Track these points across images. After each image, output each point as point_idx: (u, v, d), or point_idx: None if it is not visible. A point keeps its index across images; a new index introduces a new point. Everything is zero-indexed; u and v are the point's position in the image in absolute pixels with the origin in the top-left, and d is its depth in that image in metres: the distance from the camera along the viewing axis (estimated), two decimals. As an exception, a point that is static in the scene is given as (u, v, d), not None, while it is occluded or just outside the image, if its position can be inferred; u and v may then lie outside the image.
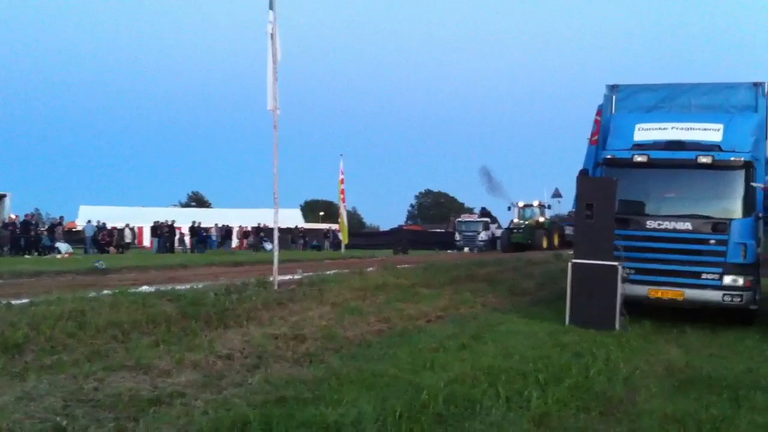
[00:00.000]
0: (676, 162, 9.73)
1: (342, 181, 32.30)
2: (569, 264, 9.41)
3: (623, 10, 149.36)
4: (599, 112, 11.21)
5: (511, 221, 43.39)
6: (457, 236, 47.15)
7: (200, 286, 9.71)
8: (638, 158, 9.82)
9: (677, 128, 10.08)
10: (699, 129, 9.98)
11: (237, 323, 7.53)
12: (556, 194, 48.85)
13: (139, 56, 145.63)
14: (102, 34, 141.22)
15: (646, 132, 10.21)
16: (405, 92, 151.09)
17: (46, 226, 32.90)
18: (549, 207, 43.23)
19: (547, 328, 8.75)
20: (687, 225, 9.58)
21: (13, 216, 32.20)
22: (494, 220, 48.79)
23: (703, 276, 9.51)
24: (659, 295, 9.63)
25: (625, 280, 9.19)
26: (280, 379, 5.36)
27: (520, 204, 43.24)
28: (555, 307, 10.44)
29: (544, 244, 39.17)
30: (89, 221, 34.57)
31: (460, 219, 50.79)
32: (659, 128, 10.19)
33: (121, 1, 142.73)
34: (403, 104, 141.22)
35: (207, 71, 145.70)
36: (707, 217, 9.59)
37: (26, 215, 32.66)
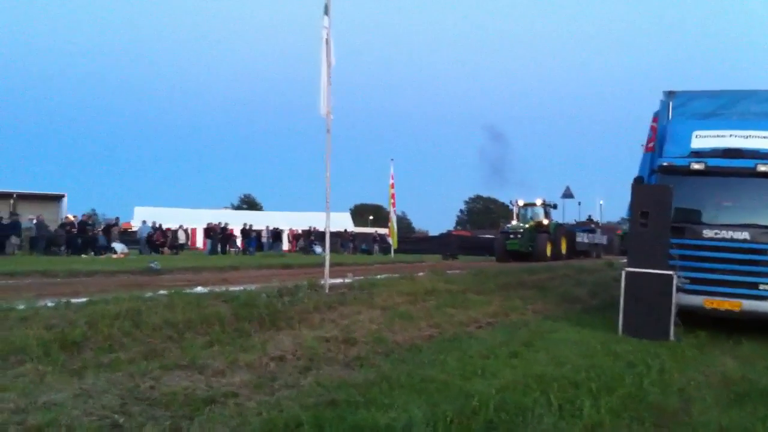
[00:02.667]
0: (734, 170, 9.53)
1: (392, 186, 32.38)
2: (623, 272, 9.28)
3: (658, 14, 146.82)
4: (655, 119, 11.03)
5: (499, 223, 42.21)
6: (504, 242, 46.80)
7: (253, 287, 9.81)
8: (695, 166, 9.65)
9: (735, 136, 9.88)
10: (758, 136, 9.76)
11: (289, 325, 7.62)
12: (567, 194, 46.24)
13: (195, 60, 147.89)
14: (159, 38, 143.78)
15: (704, 139, 10.03)
16: (456, 97, 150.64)
17: (102, 227, 33.52)
18: (555, 206, 36.69)
19: (599, 337, 8.63)
20: (744, 234, 9.38)
21: (70, 216, 32.95)
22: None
23: (761, 287, 9.28)
24: (715, 305, 9.43)
25: (679, 290, 9.04)
26: (331, 381, 5.40)
27: (520, 202, 36.17)
28: (607, 315, 10.31)
29: (548, 251, 32.38)
30: (144, 222, 35.15)
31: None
32: (717, 135, 10.00)
33: (178, 6, 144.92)
34: (454, 109, 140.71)
35: (261, 76, 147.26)
36: (765, 227, 9.38)
37: (83, 216, 33.34)
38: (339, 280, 11.40)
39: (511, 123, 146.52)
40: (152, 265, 18.08)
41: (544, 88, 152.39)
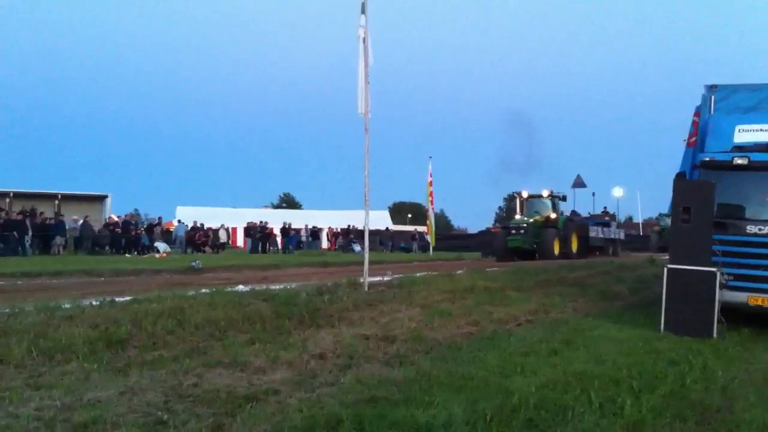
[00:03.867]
0: None
1: (430, 183, 32.36)
2: (664, 269, 9.16)
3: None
4: (697, 113, 10.85)
5: (494, 217, 38.61)
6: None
7: (293, 286, 9.90)
8: (738, 161, 9.48)
9: None
10: None
11: (328, 323, 7.67)
12: (579, 183, 41.86)
13: (236, 61, 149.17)
14: (200, 40, 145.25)
15: (747, 133, 9.86)
16: (495, 93, 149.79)
17: (145, 227, 34.03)
18: (564, 198, 32.42)
19: (640, 335, 8.54)
20: None
21: (114, 217, 33.53)
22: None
23: None
24: (759, 302, 9.25)
25: (722, 287, 8.89)
26: (371, 379, 5.42)
27: (524, 194, 31.95)
28: (648, 313, 10.19)
29: (556, 249, 28.78)
30: (179, 221, 35.61)
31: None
32: (760, 129, 9.82)
33: (217, 7, 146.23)
34: (493, 106, 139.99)
35: (301, 76, 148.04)
36: None
37: (126, 216, 33.93)
38: (378, 278, 11.44)
39: (546, 119, 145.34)
40: (194, 264, 18.30)
41: (577, 82, 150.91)
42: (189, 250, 31.80)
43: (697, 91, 11.09)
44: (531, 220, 29.75)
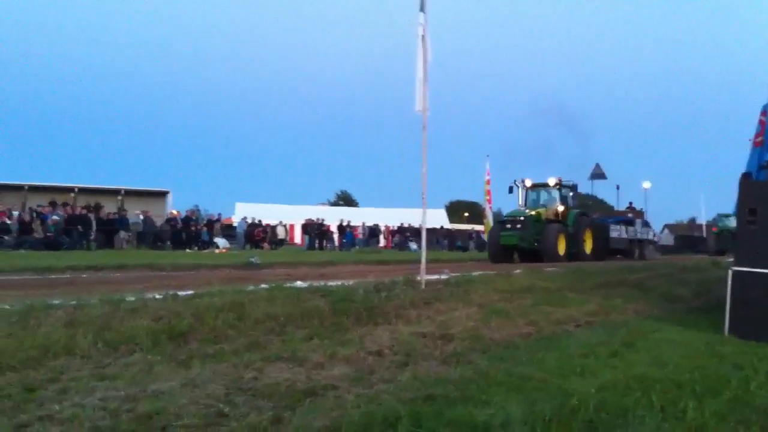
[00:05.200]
0: None
1: (488, 182, 32.24)
2: (729, 272, 8.94)
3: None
4: (764, 113, 10.56)
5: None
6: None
7: (350, 283, 9.94)
8: None
9: None
10: None
11: (386, 320, 7.69)
12: (598, 174, 37.79)
13: (293, 59, 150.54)
14: (258, 39, 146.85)
15: (817, 133, 9.58)
16: (551, 92, 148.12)
17: (205, 222, 34.61)
18: (575, 189, 27.89)
19: (703, 338, 8.34)
20: None
21: (174, 212, 34.20)
22: (645, 223, 46.77)
23: None
24: None
25: (790, 290, 8.62)
26: (428, 377, 5.41)
27: (527, 183, 27.40)
28: (712, 316, 9.94)
29: (560, 248, 24.18)
30: (244, 218, 36.06)
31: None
32: (831, 128, 9.54)
33: (277, 6, 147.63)
34: (549, 104, 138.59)
35: (359, 73, 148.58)
36: None
37: (187, 211, 34.54)
38: (435, 277, 11.41)
39: (608, 118, 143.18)
40: (252, 259, 18.55)
41: (638, 80, 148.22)
42: (248, 246, 32.23)
43: (764, 89, 10.82)
44: (529, 213, 25.18)
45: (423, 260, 10.47)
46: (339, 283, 9.94)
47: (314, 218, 39.33)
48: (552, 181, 26.96)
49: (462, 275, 12.47)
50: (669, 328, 9.26)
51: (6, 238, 25.72)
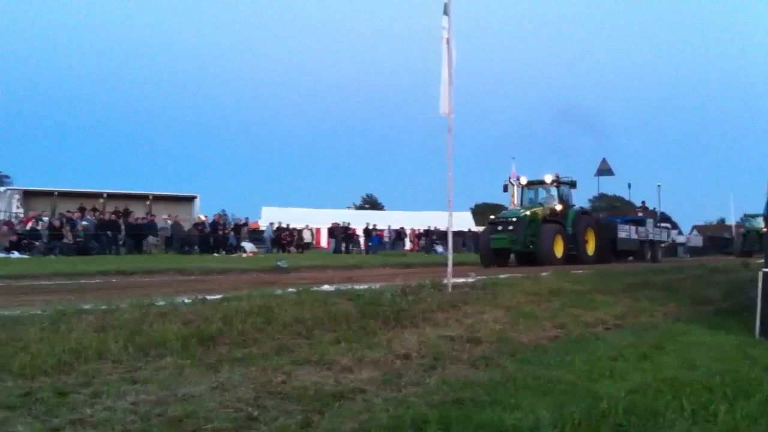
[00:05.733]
0: None
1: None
2: (760, 273, 8.83)
3: None
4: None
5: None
6: (633, 242, 43.52)
7: (377, 286, 9.96)
8: None
9: None
10: None
11: (413, 324, 7.69)
12: (604, 170, 35.63)
13: (318, 63, 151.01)
14: (282, 41, 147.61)
15: None
16: (580, 94, 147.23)
17: (232, 227, 34.82)
18: (573, 185, 25.47)
19: (733, 341, 8.24)
20: None
21: (202, 217, 34.48)
22: (674, 225, 45.86)
23: None
24: None
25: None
26: (456, 380, 5.40)
27: (523, 181, 25.50)
28: (742, 318, 9.82)
29: (558, 251, 22.45)
30: (271, 224, 36.25)
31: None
32: None
33: (299, 7, 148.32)
34: (574, 107, 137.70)
35: (383, 76, 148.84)
36: None
37: (214, 216, 34.83)
38: (461, 280, 11.40)
39: (624, 116, 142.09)
40: (280, 263, 18.65)
41: (655, 77, 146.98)
42: (274, 250, 32.38)
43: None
44: (523, 213, 23.04)
45: (449, 263, 10.47)
46: (366, 286, 9.95)
47: (340, 222, 39.42)
48: (549, 178, 24.61)
49: (488, 278, 12.46)
50: (699, 330, 9.16)
51: (37, 243, 26.05)
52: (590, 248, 24.50)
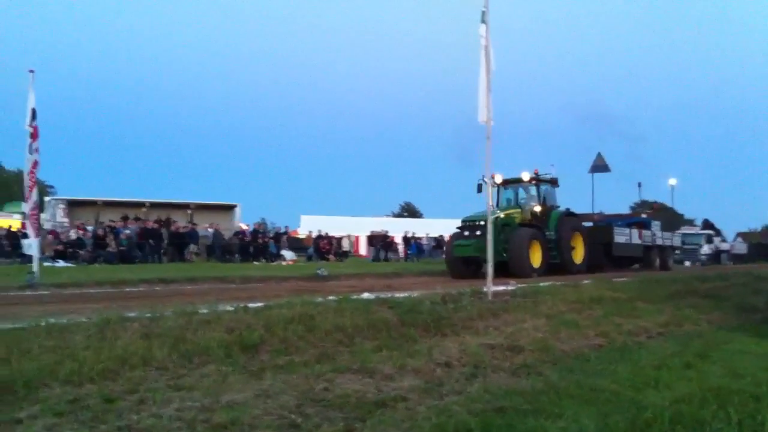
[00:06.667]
0: None
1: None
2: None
3: None
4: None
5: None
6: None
7: (416, 294, 9.96)
8: None
9: None
10: None
11: (453, 332, 7.68)
12: (600, 166, 31.73)
13: (358, 72, 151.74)
14: (321, 52, 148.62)
15: None
16: (616, 98, 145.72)
17: (272, 235, 35.05)
18: (554, 183, 22.49)
19: (781, 349, 8.10)
20: None
21: (243, 225, 34.75)
22: (718, 232, 44.95)
23: None
24: None
25: None
26: (498, 389, 5.39)
27: (498, 179, 21.52)
28: (790, 326, 9.65)
29: (535, 259, 19.45)
30: (310, 231, 36.43)
31: (680, 231, 46.57)
32: None
33: (339, 17, 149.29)
34: (609, 112, 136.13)
35: (419, 84, 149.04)
36: None
37: (255, 224, 35.13)
38: (501, 288, 11.35)
39: (665, 122, 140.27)
40: (319, 271, 18.69)
41: (698, 83, 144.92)
42: (314, 258, 32.52)
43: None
44: (495, 216, 18.80)
45: (489, 271, 10.44)
46: (406, 294, 9.96)
47: (378, 230, 39.47)
48: (526, 176, 21.48)
49: (529, 286, 12.38)
50: (744, 338, 9.02)
51: (81, 252, 26.46)
52: (578, 255, 21.69)
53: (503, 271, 17.93)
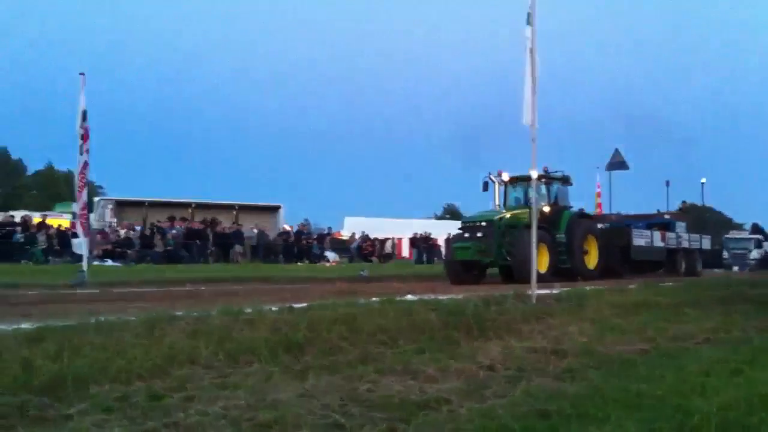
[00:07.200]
0: None
1: (598, 194, 31.51)
2: None
3: None
4: None
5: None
6: (725, 254, 40.97)
7: (460, 296, 9.95)
8: None
9: None
10: None
11: (496, 335, 7.65)
12: (617, 163, 29.75)
13: (401, 73, 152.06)
14: (366, 55, 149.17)
15: None
16: (670, 98, 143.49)
17: (316, 236, 35.29)
18: (567, 181, 20.92)
19: (834, 356, 7.90)
20: None
21: (287, 226, 35.04)
22: (766, 236, 43.93)
23: None
24: None
25: None
26: (541, 392, 5.34)
27: (505, 177, 20.41)
28: (844, 333, 9.42)
29: (541, 263, 16.69)
30: (354, 233, 36.57)
31: (728, 236, 45.35)
32: None
33: (384, 20, 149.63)
34: (657, 112, 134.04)
35: (461, 86, 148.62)
36: None
37: (298, 225, 35.34)
38: (545, 291, 11.29)
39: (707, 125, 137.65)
40: (362, 273, 18.79)
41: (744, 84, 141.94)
42: (357, 260, 32.68)
43: None
44: (497, 215, 18.62)
45: (533, 274, 10.39)
46: (449, 296, 9.96)
47: (421, 232, 39.45)
48: (534, 173, 18.20)
49: (573, 289, 12.29)
50: (795, 345, 8.82)
51: (129, 252, 26.96)
52: (591, 260, 20.18)
53: (509, 277, 17.83)
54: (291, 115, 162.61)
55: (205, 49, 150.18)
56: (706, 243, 28.14)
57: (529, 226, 17.05)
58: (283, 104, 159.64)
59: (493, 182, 20.46)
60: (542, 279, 15.64)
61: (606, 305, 10.25)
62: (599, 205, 31.42)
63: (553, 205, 20.05)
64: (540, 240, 16.79)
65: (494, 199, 20.65)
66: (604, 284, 15.29)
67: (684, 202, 31.92)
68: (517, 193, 20.93)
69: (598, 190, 31.75)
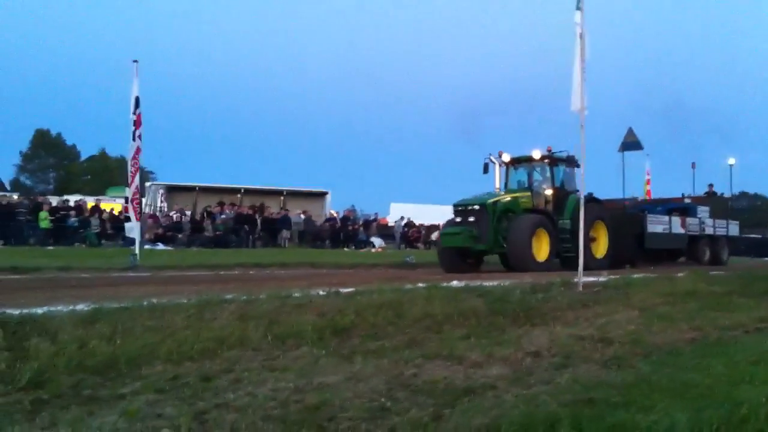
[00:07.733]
0: None
1: (648, 182, 31.00)
2: None
3: None
4: None
5: None
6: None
7: (506, 283, 9.93)
8: None
9: None
10: None
11: (542, 322, 7.63)
12: (631, 143, 26.56)
13: (445, 60, 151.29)
14: (407, 42, 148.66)
15: None
16: (707, 87, 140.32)
17: (362, 222, 35.42)
18: (573, 162, 18.45)
19: None
20: None
21: (333, 212, 35.23)
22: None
23: None
24: None
25: None
26: (588, 380, 5.33)
27: (506, 158, 18.97)
28: None
29: (540, 252, 16.55)
30: (402, 218, 36.61)
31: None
32: None
33: (429, 7, 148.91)
34: (708, 100, 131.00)
35: (505, 72, 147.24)
36: None
37: (345, 212, 35.55)
38: (592, 279, 11.20)
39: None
40: (408, 259, 18.82)
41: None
42: (403, 246, 32.71)
43: None
44: (491, 199, 17.01)
45: (580, 261, 10.32)
46: (495, 283, 9.95)
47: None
48: (537, 154, 18.16)
49: (621, 277, 12.18)
50: None
51: (179, 235, 27.39)
52: (600, 248, 18.45)
53: (512, 268, 16.65)
54: (339, 103, 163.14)
55: (255, 37, 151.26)
56: (734, 229, 25.40)
57: (528, 211, 17.50)
58: (331, 93, 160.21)
59: (494, 164, 19.11)
60: (540, 268, 15.79)
61: (654, 294, 10.14)
62: (648, 193, 30.93)
63: (557, 188, 18.44)
64: (539, 226, 16.76)
65: (494, 182, 19.15)
66: (651, 273, 15.16)
67: (711, 185, 28.09)
68: (519, 175, 19.51)
69: (648, 177, 31.26)
